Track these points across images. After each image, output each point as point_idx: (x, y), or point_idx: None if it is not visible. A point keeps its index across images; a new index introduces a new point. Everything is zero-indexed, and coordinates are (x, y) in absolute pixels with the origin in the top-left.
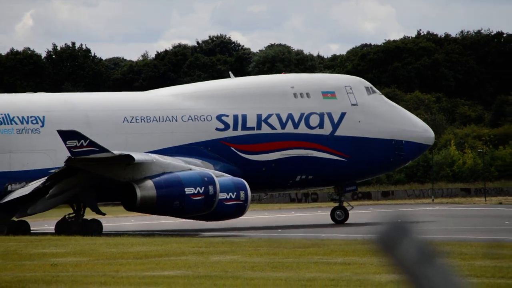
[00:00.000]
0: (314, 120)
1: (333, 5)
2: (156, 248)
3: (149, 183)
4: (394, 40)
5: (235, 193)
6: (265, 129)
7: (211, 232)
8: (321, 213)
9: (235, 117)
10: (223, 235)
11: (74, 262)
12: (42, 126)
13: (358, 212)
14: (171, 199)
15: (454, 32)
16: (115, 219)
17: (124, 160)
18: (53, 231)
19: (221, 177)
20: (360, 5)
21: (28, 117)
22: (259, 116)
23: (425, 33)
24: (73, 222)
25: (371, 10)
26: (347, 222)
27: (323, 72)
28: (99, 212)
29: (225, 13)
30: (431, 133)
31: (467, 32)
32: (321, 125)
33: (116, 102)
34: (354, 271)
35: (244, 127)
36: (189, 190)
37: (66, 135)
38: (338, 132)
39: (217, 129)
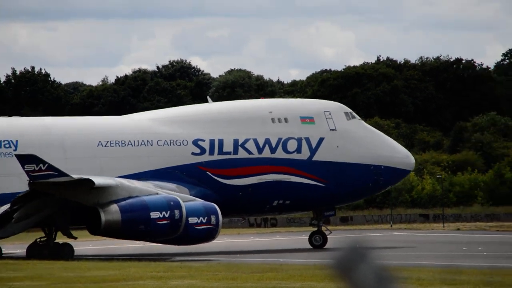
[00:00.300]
0: (291, 145)
1: (293, 30)
2: (114, 273)
3: (114, 207)
4: (354, 66)
5: (205, 218)
6: (242, 154)
7: (169, 257)
8: (280, 238)
9: (212, 142)
10: (181, 260)
11: (31, 286)
12: (15, 150)
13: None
14: (136, 223)
15: (413, 58)
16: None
17: (85, 184)
18: (23, 255)
19: (192, 202)
20: (320, 30)
21: (1, 141)
22: (235, 141)
23: (385, 59)
24: (44, 245)
25: (331, 36)
26: (325, 247)
27: (283, 98)
28: (71, 236)
29: (185, 38)
30: (411, 158)
31: (426, 58)
32: (298, 150)
33: (91, 126)
34: None
35: (221, 152)
36: (154, 214)
37: (24, 159)
38: (316, 157)
39: (193, 153)
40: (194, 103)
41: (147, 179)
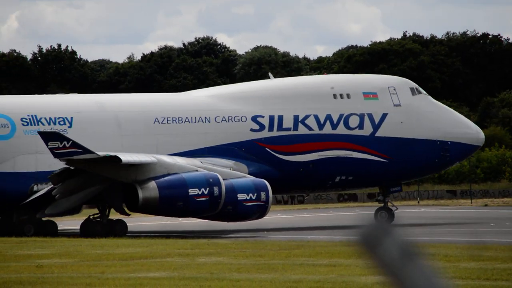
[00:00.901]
0: (353, 121)
1: (319, 6)
2: (141, 250)
3: (152, 184)
4: (380, 42)
5: (255, 194)
6: (302, 130)
7: (198, 234)
8: (307, 215)
9: (271, 118)
10: (209, 237)
11: (59, 264)
12: (70, 127)
13: (345, 214)
14: (175, 200)
15: (440, 34)
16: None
17: (114, 161)
18: (78, 231)
19: (242, 178)
20: (346, 6)
21: (55, 118)
22: (295, 117)
23: (411, 34)
24: (97, 222)
25: (357, 12)
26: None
27: (309, 74)
28: (124, 213)
29: (210, 15)
30: (480, 134)
31: (453, 33)
32: (361, 126)
33: (147, 103)
34: (340, 273)
35: (280, 128)
36: (193, 191)
37: (48, 136)
38: (379, 133)
39: (251, 129)
40: (220, 80)
41: (203, 156)
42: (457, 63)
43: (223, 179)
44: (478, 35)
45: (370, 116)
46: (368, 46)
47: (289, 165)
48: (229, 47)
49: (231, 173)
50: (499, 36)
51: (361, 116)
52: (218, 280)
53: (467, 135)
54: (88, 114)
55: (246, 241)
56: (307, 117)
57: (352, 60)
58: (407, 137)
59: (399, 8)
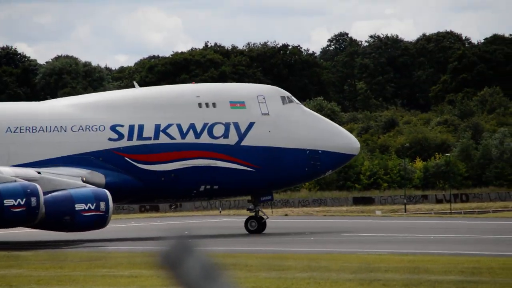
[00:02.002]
0: (218, 130)
1: (120, 16)
2: None
3: None
4: (181, 52)
5: (94, 204)
6: (164, 139)
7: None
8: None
9: (131, 127)
10: (11, 249)
11: None
12: None
13: (146, 225)
14: None
15: (241, 44)
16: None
17: None
18: None
19: (82, 188)
20: (147, 16)
21: None
22: (157, 126)
23: (213, 45)
24: None
25: (158, 21)
26: (264, 232)
27: (111, 84)
28: None
29: (10, 24)
30: (354, 143)
31: (254, 44)
32: (226, 135)
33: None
34: (141, 284)
35: (140, 137)
36: (8, 202)
37: None
38: (245, 142)
39: (110, 139)
40: (20, 90)
41: (57, 165)
42: (258, 73)
43: (62, 189)
44: (279, 46)
45: (236, 125)
46: (170, 56)
47: (150, 174)
48: (29, 57)
49: (70, 183)
50: (299, 47)
51: (227, 125)
52: None
53: (340, 144)
54: None
55: (46, 252)
56: (169, 126)
57: (154, 70)
58: (274, 146)
59: (200, 18)
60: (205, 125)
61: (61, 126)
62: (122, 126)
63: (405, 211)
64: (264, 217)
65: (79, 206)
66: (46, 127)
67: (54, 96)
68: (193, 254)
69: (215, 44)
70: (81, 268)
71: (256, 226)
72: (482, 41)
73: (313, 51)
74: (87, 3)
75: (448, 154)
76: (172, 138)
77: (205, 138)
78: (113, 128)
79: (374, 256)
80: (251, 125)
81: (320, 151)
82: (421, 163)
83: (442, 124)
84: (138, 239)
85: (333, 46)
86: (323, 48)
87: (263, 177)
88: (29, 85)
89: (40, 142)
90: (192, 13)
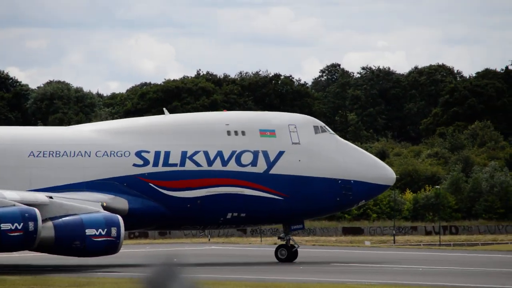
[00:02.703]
0: (246, 158)
1: (112, 42)
2: None
3: None
4: (173, 80)
5: (105, 230)
6: (190, 166)
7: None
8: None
9: (157, 154)
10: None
11: None
12: None
13: (134, 251)
14: None
15: (233, 73)
16: None
17: None
18: None
19: (93, 213)
20: (139, 43)
21: None
22: (183, 153)
23: (205, 73)
24: None
25: (150, 49)
26: (295, 261)
27: (102, 110)
28: None
29: (2, 48)
30: (389, 173)
31: (246, 73)
32: (254, 163)
33: (22, 136)
34: None
35: (166, 164)
36: (5, 226)
37: None
38: (274, 171)
39: (134, 164)
40: (11, 114)
41: (81, 190)
42: (250, 103)
43: (74, 214)
44: (271, 75)
45: (265, 153)
46: (162, 83)
47: (175, 201)
48: (21, 81)
49: (82, 208)
50: (290, 77)
51: (255, 153)
52: None
53: (374, 174)
54: None
55: (34, 277)
56: (196, 153)
57: (145, 97)
58: (304, 175)
59: (193, 46)
60: (233, 152)
61: (85, 151)
62: (148, 152)
63: (394, 242)
64: (296, 245)
65: (89, 232)
66: (70, 152)
67: (45, 121)
68: (178, 279)
69: (207, 72)
70: None
71: (286, 255)
72: (474, 75)
73: (305, 82)
74: (80, 29)
75: (438, 187)
76: (198, 165)
77: (232, 166)
78: (138, 154)
79: (363, 286)
80: (280, 153)
81: (352, 181)
82: (411, 194)
83: (433, 157)
84: (126, 265)
85: (325, 77)
86: (315, 78)
87: (292, 206)
88: (20, 110)
89: (63, 166)
90: (185, 41)
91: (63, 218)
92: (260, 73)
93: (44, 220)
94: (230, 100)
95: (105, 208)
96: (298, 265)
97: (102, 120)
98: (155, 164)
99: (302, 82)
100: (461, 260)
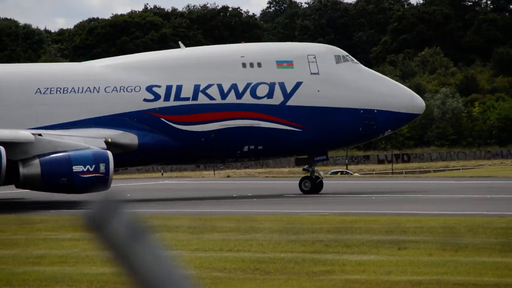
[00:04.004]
0: (262, 90)
1: None
2: None
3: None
4: (121, 14)
5: (93, 166)
6: (203, 100)
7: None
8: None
9: (168, 88)
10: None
11: None
12: None
13: None
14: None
15: (180, 6)
16: None
17: None
18: None
19: (82, 150)
20: None
21: None
22: (196, 87)
23: (152, 7)
24: None
25: None
26: (321, 192)
27: (51, 47)
28: None
29: None
30: (417, 102)
31: (194, 6)
32: (269, 95)
33: (29, 73)
34: (83, 247)
35: (178, 98)
36: (77, 168)
37: None
38: (291, 102)
39: (145, 99)
40: None
41: (89, 127)
42: (199, 36)
43: (63, 151)
44: (218, 8)
45: (282, 85)
46: (110, 18)
47: (188, 135)
48: None
49: (72, 144)
50: (238, 9)
51: (271, 85)
52: None
53: (400, 103)
54: None
55: None
56: (209, 86)
57: (94, 32)
58: (323, 106)
59: None
60: (248, 85)
61: (94, 87)
62: (159, 87)
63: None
64: (320, 177)
65: (77, 168)
66: (78, 88)
67: None
68: (119, 215)
69: (155, 6)
70: (22, 232)
71: (310, 186)
72: (421, 1)
73: (253, 13)
74: None
75: None
76: (211, 98)
77: (247, 98)
78: (149, 89)
79: (316, 217)
80: (298, 84)
81: (375, 111)
82: None
83: None
84: (77, 203)
85: (273, 8)
86: (263, 10)
87: (311, 137)
88: None
89: (71, 103)
90: None
91: (51, 155)
92: (208, 5)
93: (31, 158)
94: (179, 33)
95: (111, 143)
96: (252, 198)
97: (51, 56)
98: (166, 98)
99: (250, 14)
100: (414, 187)
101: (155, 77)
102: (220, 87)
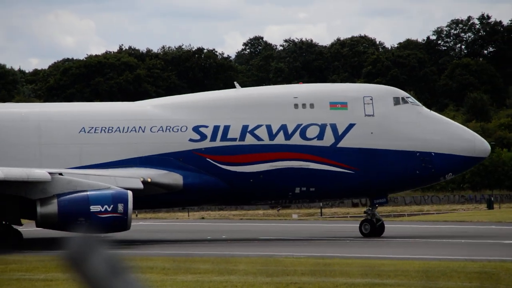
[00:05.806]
0: (312, 131)
1: (32, 18)
2: None
3: (54, 200)
4: (96, 55)
5: (111, 206)
6: (250, 140)
7: None
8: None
9: (216, 128)
10: None
11: None
12: None
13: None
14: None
15: (155, 47)
16: None
17: None
18: None
19: (101, 190)
20: (59, 19)
21: None
22: (244, 127)
23: (127, 48)
24: None
25: (71, 24)
26: (383, 235)
27: (25, 87)
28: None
29: None
30: (480, 145)
31: (168, 47)
32: (320, 136)
33: (75, 112)
34: (56, 287)
35: (224, 138)
36: (95, 208)
37: None
38: (342, 144)
39: (191, 139)
40: None
41: (134, 166)
42: (173, 77)
43: (82, 191)
44: (194, 49)
45: (333, 126)
46: (84, 59)
47: (235, 175)
48: None
49: (92, 184)
50: (213, 51)
51: (322, 126)
52: None
53: (460, 146)
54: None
55: None
56: (258, 127)
57: (68, 73)
58: (375, 148)
59: (114, 21)
60: (298, 126)
61: (139, 127)
62: (206, 127)
63: (321, 215)
64: (380, 220)
65: (94, 208)
66: (124, 127)
67: None
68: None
69: (130, 47)
70: None
71: (369, 229)
72: (396, 45)
73: (228, 55)
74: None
75: None
76: (259, 139)
77: (296, 140)
78: (196, 129)
79: (290, 260)
80: (350, 126)
81: (432, 153)
82: None
83: None
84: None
85: (248, 50)
86: (238, 51)
87: (364, 180)
88: None
89: (115, 142)
90: (106, 17)
91: (69, 195)
92: (183, 47)
93: (50, 197)
94: (153, 74)
95: (152, 183)
96: (226, 239)
97: (25, 97)
98: (213, 139)
99: (225, 55)
100: (389, 231)
101: (202, 117)
102: (269, 127)
